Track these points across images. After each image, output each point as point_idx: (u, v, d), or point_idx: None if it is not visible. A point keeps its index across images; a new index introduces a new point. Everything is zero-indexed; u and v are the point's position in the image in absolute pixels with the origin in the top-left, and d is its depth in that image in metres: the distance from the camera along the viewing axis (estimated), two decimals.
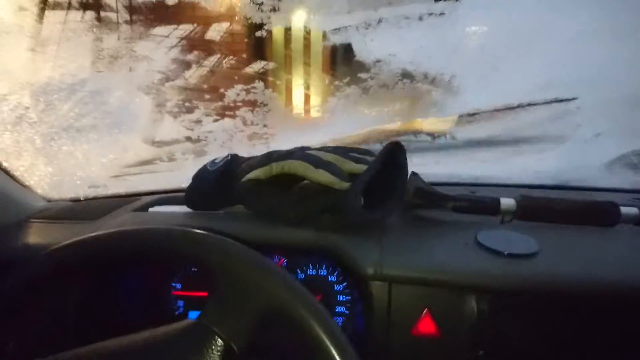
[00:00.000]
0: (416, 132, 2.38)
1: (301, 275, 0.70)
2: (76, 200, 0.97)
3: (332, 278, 0.69)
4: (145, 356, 0.37)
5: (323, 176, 0.61)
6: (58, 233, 0.77)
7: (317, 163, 0.62)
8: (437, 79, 2.20)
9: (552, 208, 0.70)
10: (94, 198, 0.99)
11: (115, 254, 0.45)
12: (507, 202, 0.69)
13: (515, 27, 2.06)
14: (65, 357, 0.38)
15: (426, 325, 0.54)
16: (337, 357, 0.35)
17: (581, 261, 0.56)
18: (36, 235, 0.76)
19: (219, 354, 0.37)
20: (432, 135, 2.38)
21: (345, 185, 0.60)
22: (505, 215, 0.70)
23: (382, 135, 2.45)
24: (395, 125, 2.44)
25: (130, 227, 0.45)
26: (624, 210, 0.68)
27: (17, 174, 0.87)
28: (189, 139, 2.38)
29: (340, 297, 0.69)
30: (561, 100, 2.24)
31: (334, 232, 0.64)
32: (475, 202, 0.70)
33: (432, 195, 0.71)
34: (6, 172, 0.84)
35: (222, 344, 0.37)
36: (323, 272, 0.70)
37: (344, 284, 0.69)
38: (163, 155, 2.12)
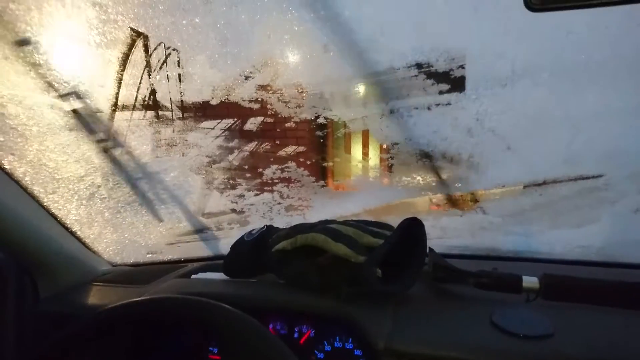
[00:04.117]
0: (444, 206, 2.36)
1: (328, 347, 0.67)
2: (135, 265, 1.02)
3: (358, 352, 0.66)
4: None
5: (341, 249, 0.62)
6: (114, 295, 0.81)
7: (336, 236, 0.64)
8: (454, 158, 2.24)
9: (578, 287, 0.64)
10: (151, 263, 1.04)
11: (139, 318, 0.49)
12: (529, 280, 0.64)
13: (526, 108, 2.09)
14: None
15: None
16: None
17: (598, 346, 0.51)
18: (95, 297, 0.81)
19: None
20: (462, 209, 2.34)
21: (361, 258, 0.61)
22: (530, 293, 0.65)
23: (410, 208, 2.45)
24: (422, 199, 2.44)
25: (155, 296, 0.50)
26: None
27: (87, 241, 0.95)
28: (233, 210, 2.52)
29: None
30: (587, 177, 2.15)
31: (351, 303, 0.63)
32: (496, 279, 0.66)
33: (451, 271, 0.69)
34: (79, 239, 0.92)
35: None
36: (349, 345, 0.67)
37: (369, 357, 0.66)
38: (212, 225, 2.23)
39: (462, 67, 2.18)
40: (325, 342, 0.68)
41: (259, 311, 0.60)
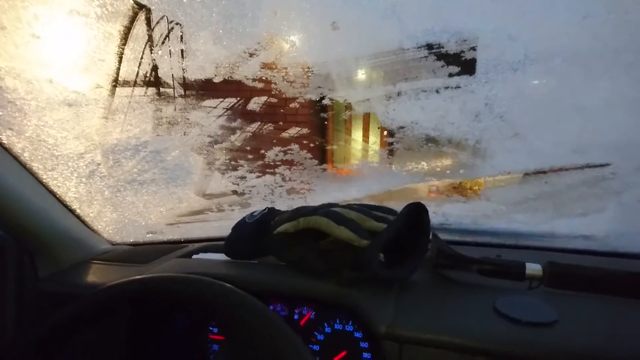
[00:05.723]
0: (448, 192, 2.37)
1: (328, 329, 0.68)
2: (135, 244, 1.03)
3: (358, 334, 0.67)
4: None
5: (344, 232, 0.62)
6: (114, 274, 0.82)
7: (339, 220, 0.63)
8: (461, 143, 2.23)
9: (581, 276, 0.65)
10: (151, 243, 1.05)
11: (139, 297, 0.49)
12: (533, 267, 0.65)
13: (537, 94, 2.07)
14: None
15: None
16: None
17: (601, 333, 0.52)
18: (95, 276, 0.82)
19: None
20: (466, 195, 2.34)
21: (364, 242, 0.61)
22: (532, 281, 0.65)
23: (413, 194, 2.45)
24: (426, 184, 2.44)
25: (156, 275, 0.49)
26: None
27: (87, 219, 0.95)
28: (235, 192, 2.53)
29: (365, 355, 0.66)
30: (594, 166, 2.14)
31: (353, 288, 0.63)
32: (500, 266, 0.66)
33: (455, 258, 0.69)
34: (79, 217, 0.92)
35: None
36: (349, 327, 0.68)
37: (370, 341, 0.66)
38: (213, 206, 2.25)
39: (473, 49, 2.14)
40: (325, 324, 0.68)
41: (260, 293, 0.60)
